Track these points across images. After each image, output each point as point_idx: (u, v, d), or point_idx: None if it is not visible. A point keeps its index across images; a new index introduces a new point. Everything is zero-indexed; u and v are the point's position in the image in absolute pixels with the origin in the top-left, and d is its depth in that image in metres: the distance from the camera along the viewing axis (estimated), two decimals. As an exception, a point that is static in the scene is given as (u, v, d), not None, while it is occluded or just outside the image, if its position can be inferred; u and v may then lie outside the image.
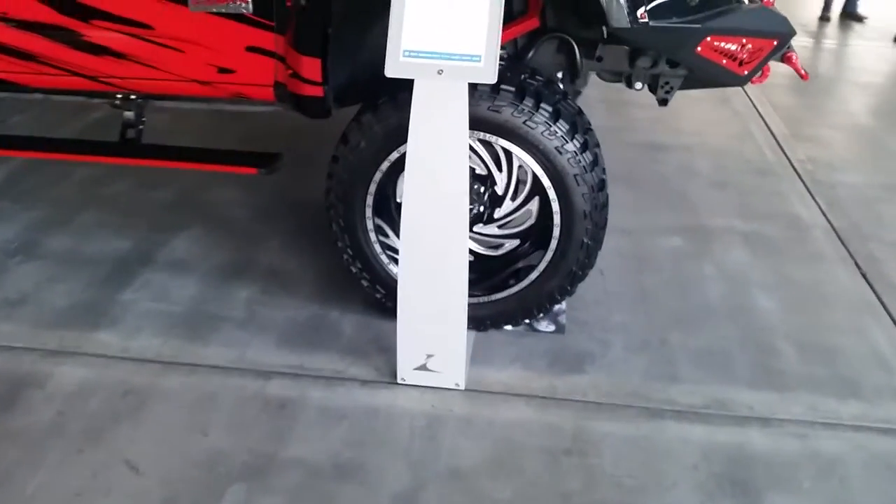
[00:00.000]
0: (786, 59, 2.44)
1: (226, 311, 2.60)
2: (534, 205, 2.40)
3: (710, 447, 2.05)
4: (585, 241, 2.28)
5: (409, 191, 2.13)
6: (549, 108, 2.20)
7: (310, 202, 3.25)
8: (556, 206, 2.25)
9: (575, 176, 2.21)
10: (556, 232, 2.28)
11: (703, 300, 2.70)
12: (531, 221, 2.42)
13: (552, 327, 2.53)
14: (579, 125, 2.26)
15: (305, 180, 3.39)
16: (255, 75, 2.39)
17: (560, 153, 2.20)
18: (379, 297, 2.49)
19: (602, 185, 2.26)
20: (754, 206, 3.38)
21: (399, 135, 2.22)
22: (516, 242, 2.47)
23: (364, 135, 2.28)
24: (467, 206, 2.12)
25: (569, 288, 2.38)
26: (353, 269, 2.46)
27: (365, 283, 2.48)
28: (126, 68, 2.42)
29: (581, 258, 2.31)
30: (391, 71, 2.04)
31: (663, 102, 2.56)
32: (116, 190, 3.35)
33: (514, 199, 2.40)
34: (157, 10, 2.32)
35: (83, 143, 3.01)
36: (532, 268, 2.37)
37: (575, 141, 2.21)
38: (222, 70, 2.40)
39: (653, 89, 2.54)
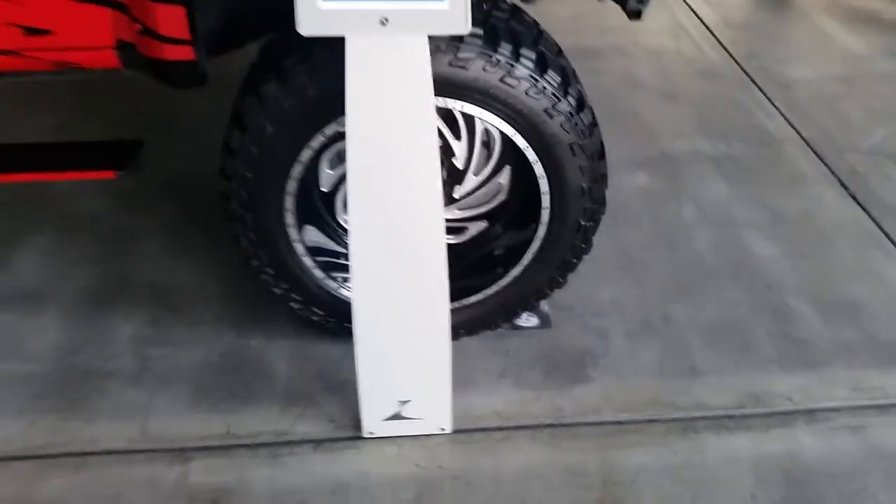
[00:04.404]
0: None
1: (108, 362, 1.93)
2: (503, 177, 1.86)
3: (761, 464, 1.69)
4: (583, 223, 1.77)
5: (357, 194, 1.52)
6: (533, 56, 1.61)
7: (191, 177, 2.53)
8: (544, 185, 1.71)
9: (571, 145, 1.66)
10: (546, 216, 1.75)
11: (695, 255, 2.30)
12: (502, 197, 1.89)
13: (535, 320, 2.05)
14: (570, 73, 1.69)
15: (179, 143, 2.64)
16: (84, 35, 1.63)
17: (550, 116, 1.63)
18: (317, 319, 1.91)
19: (602, 151, 1.73)
20: (714, 121, 2.97)
21: (323, 109, 1.59)
22: (483, 225, 1.93)
23: (270, 115, 1.61)
24: (441, 206, 1.55)
25: (560, 280, 1.89)
26: (278, 291, 1.85)
27: (296, 306, 1.88)
28: None
29: (577, 243, 1.81)
30: (308, 27, 1.39)
31: (635, 15, 2.02)
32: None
33: (477, 172, 1.84)
34: None
35: None
36: (512, 262, 1.85)
37: (569, 97, 1.65)
38: (31, 31, 1.62)
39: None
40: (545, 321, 2.05)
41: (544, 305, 2.08)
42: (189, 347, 1.96)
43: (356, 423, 1.76)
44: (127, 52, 1.66)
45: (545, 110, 1.62)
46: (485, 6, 1.62)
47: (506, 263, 1.86)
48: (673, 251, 2.32)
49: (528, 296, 1.89)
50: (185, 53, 1.63)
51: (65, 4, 1.59)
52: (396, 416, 1.72)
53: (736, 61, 3.42)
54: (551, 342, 2.00)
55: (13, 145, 2.10)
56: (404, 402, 1.70)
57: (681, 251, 2.32)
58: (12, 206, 2.45)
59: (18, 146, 2.12)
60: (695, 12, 3.91)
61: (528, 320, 2.05)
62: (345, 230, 1.91)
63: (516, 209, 1.86)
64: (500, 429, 1.78)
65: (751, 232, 2.39)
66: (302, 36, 1.40)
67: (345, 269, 1.85)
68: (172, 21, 1.59)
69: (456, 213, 1.90)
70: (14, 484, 1.65)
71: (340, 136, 1.61)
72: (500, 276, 1.85)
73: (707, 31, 3.72)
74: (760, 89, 3.18)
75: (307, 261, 1.79)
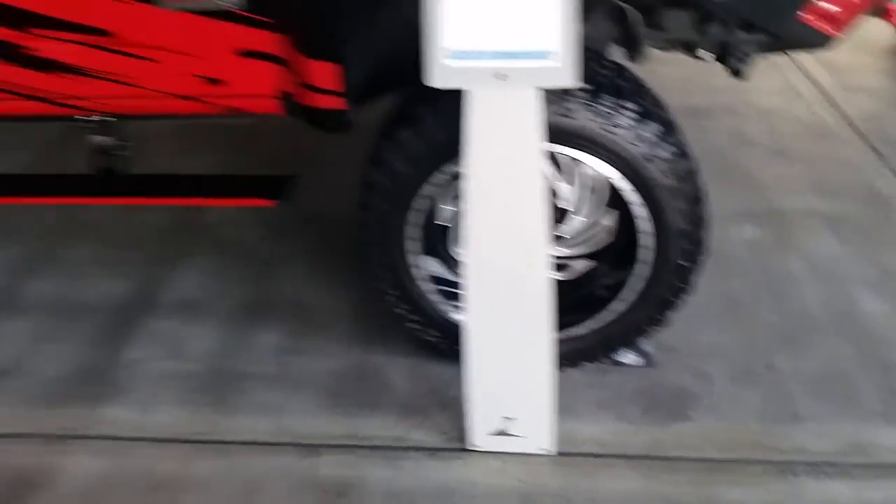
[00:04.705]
0: (887, 15, 2.06)
1: (252, 366, 2.21)
2: (607, 218, 2.00)
3: (860, 513, 1.72)
4: (682, 263, 1.90)
5: (472, 228, 1.73)
6: (634, 106, 1.79)
7: (331, 213, 2.83)
8: (645, 226, 1.86)
9: (670, 188, 1.81)
10: (649, 256, 1.89)
11: (802, 307, 2.34)
12: (609, 239, 2.04)
13: (639, 358, 2.16)
14: (669, 124, 1.85)
15: (321, 184, 2.96)
16: (252, 85, 1.95)
17: (650, 161, 1.79)
18: (432, 340, 2.11)
19: (700, 196, 1.86)
20: (825, 179, 3.01)
21: (445, 151, 1.81)
22: (588, 264, 2.08)
23: (402, 155, 1.86)
24: (548, 241, 1.73)
25: (660, 318, 2.00)
26: (399, 312, 2.07)
27: (414, 327, 2.09)
28: (86, 86, 1.97)
29: (676, 284, 1.93)
30: (437, 80, 1.62)
31: (737, 73, 2.15)
32: (100, 214, 2.89)
33: (583, 213, 2.00)
34: (116, 11, 1.86)
35: (50, 180, 2.52)
36: (613, 298, 1.98)
37: (668, 145, 1.81)
38: (210, 81, 1.96)
39: (721, 59, 2.14)
40: (648, 360, 2.15)
41: (647, 345, 2.18)
42: (322, 357, 2.21)
43: (464, 437, 1.92)
44: (287, 100, 1.97)
45: (645, 156, 1.78)
46: (592, 64, 1.81)
47: (607, 299, 2.00)
48: (779, 302, 2.37)
49: (628, 332, 2.02)
50: (336, 103, 1.92)
51: (238, 60, 1.92)
52: (501, 433, 1.88)
53: (849, 122, 3.43)
54: (653, 380, 2.10)
55: (190, 175, 2.48)
56: (509, 420, 1.86)
57: (787, 302, 2.37)
58: (176, 232, 2.83)
59: (193, 176, 2.50)
60: (808, 76, 3.93)
61: (632, 359, 2.16)
62: (459, 261, 2.12)
63: (619, 248, 2.00)
64: (599, 455, 1.89)
65: (860, 288, 2.41)
66: (431, 88, 1.63)
67: (458, 296, 2.05)
68: (325, 75, 1.88)
69: (561, 251, 2.06)
70: (171, 462, 1.92)
71: (458, 175, 1.82)
72: (602, 311, 1.99)
73: (820, 94, 3.74)
74: (874, 149, 3.17)
75: (425, 286, 2.01)
